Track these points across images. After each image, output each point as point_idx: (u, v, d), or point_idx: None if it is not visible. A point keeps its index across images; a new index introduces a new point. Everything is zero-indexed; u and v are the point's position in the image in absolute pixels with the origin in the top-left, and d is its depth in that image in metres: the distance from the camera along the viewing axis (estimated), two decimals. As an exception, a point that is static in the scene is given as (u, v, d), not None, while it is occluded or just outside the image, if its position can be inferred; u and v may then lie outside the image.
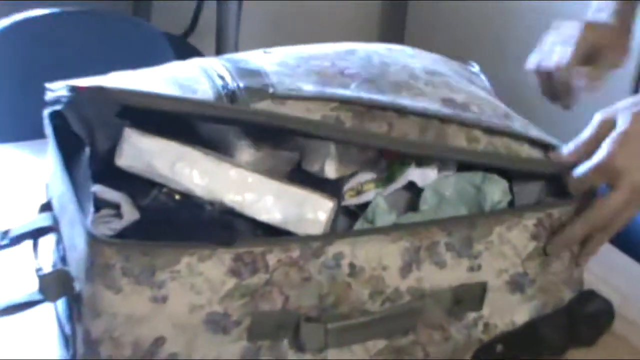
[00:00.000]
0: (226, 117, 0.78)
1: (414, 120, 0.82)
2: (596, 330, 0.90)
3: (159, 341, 0.75)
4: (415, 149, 0.81)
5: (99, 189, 0.78)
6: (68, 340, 0.80)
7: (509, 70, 1.39)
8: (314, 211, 0.77)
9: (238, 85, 0.80)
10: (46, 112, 0.87)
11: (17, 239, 0.83)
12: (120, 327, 0.73)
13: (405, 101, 0.83)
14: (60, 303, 0.82)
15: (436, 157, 0.84)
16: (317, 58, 0.87)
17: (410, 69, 0.89)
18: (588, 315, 0.89)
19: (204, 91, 0.80)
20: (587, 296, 0.89)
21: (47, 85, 0.83)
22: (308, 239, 0.77)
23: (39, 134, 0.98)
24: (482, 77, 0.98)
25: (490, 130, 0.84)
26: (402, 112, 0.82)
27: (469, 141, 0.83)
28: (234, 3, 2.31)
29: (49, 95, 0.81)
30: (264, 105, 0.79)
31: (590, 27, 1.09)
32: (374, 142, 0.81)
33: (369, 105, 0.81)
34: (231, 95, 0.80)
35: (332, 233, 0.79)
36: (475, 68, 1.00)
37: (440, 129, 0.82)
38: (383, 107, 0.82)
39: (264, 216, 0.77)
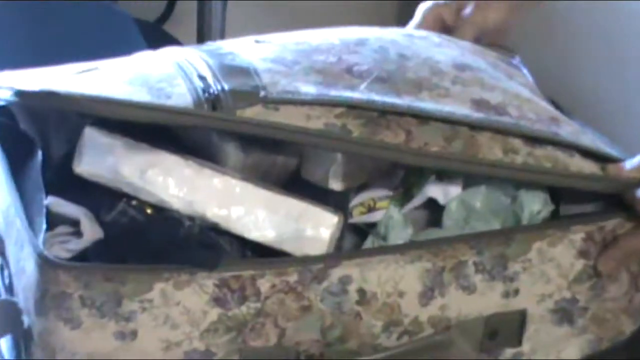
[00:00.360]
0: (208, 126, 0.76)
1: (438, 127, 0.79)
2: None
3: None
4: (439, 164, 0.79)
5: (53, 202, 0.76)
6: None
7: (550, 67, 1.40)
8: (314, 227, 0.75)
9: (222, 88, 0.77)
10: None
11: None
12: None
13: (427, 104, 0.80)
14: (5, 342, 0.80)
15: (464, 173, 0.82)
16: (320, 51, 0.84)
17: (434, 62, 0.86)
18: None
19: (181, 95, 0.76)
20: None
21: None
22: (308, 260, 0.75)
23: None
24: (524, 71, 0.95)
25: (532, 139, 0.81)
26: (422, 117, 0.79)
27: (505, 152, 0.79)
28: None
29: None
30: (254, 111, 0.76)
31: None
32: (388, 155, 0.78)
33: (382, 110, 0.79)
34: (214, 100, 0.77)
35: (337, 253, 0.77)
36: (516, 59, 0.97)
37: (470, 138, 0.79)
38: (399, 112, 0.79)
39: (254, 233, 0.75)
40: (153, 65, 0.82)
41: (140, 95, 0.76)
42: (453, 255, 0.78)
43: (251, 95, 0.77)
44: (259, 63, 0.81)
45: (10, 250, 0.79)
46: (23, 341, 0.76)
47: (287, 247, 0.76)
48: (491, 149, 0.79)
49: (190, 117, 0.76)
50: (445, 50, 0.91)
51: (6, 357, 0.82)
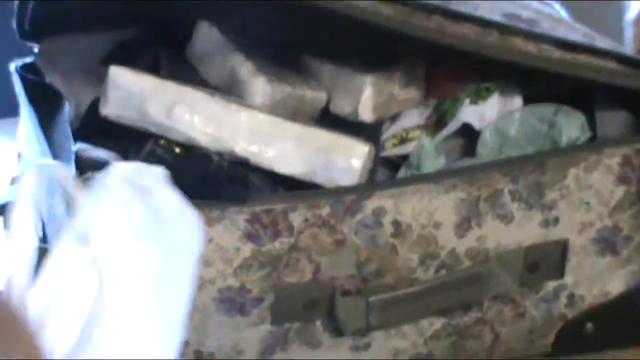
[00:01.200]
0: None
1: (468, 26, 0.79)
2: None
3: None
4: (476, 48, 0.78)
5: (81, 148, 0.78)
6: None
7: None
8: (345, 158, 0.75)
9: None
10: (14, 65, 0.90)
11: None
12: None
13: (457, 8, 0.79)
14: None
15: (499, 66, 0.80)
16: None
17: None
18: None
19: None
20: None
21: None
22: (340, 191, 0.76)
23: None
24: (561, 9, 0.95)
25: (565, 46, 0.80)
26: (453, 17, 0.78)
27: (540, 50, 0.80)
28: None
29: None
30: None
31: None
32: (424, 35, 0.77)
33: (411, 5, 0.77)
34: None
35: (370, 184, 0.78)
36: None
37: (502, 38, 0.79)
38: (429, 9, 0.78)
39: (284, 168, 0.76)
40: None
41: None
42: (488, 183, 0.79)
43: None
44: None
45: (43, 201, 0.79)
46: None
47: (318, 180, 0.77)
48: (526, 46, 0.80)
49: None
50: None
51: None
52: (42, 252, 0.79)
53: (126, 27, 0.91)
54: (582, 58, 0.81)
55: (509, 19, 0.81)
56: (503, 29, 0.79)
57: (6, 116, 1.18)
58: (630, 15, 1.21)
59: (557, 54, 0.81)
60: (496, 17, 0.81)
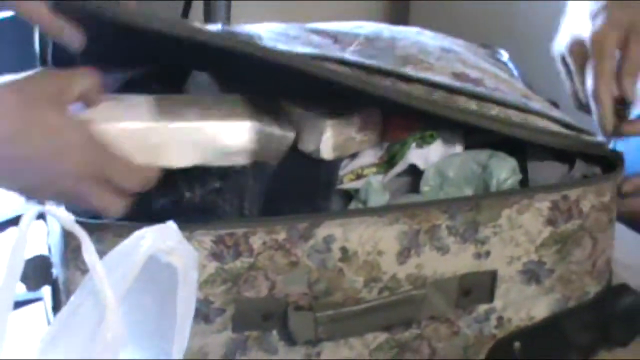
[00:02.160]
0: (224, 46, 0.71)
1: (419, 87, 0.77)
2: (631, 329, 0.84)
3: None
4: (423, 105, 0.75)
5: None
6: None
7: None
8: (232, 140, 0.72)
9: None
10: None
11: (4, 225, 0.82)
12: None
13: (410, 71, 0.78)
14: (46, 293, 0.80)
15: (443, 118, 0.77)
16: (319, 32, 0.83)
17: (422, 44, 0.84)
18: (620, 312, 0.83)
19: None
20: (619, 290, 0.84)
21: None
22: (295, 219, 0.72)
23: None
24: (511, 65, 0.92)
25: (505, 104, 0.78)
26: (404, 78, 0.77)
27: (480, 107, 0.77)
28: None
29: None
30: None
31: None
32: (379, 92, 0.74)
33: (369, 69, 0.76)
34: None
35: (322, 214, 0.75)
36: (504, 56, 0.93)
37: (448, 96, 0.77)
38: (385, 73, 0.77)
39: (182, 163, 0.71)
40: None
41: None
42: (427, 218, 0.75)
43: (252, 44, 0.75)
44: (265, 33, 0.81)
45: (49, 216, 0.78)
46: (52, 290, 0.76)
47: (217, 164, 0.73)
48: (467, 103, 0.77)
49: (199, 33, 0.71)
50: (435, 38, 0.88)
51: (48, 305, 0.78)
52: (41, 261, 0.75)
53: (135, 66, 0.86)
54: (518, 115, 0.78)
55: (458, 78, 0.80)
56: (450, 89, 0.77)
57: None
58: None
59: (496, 109, 0.78)
60: (446, 76, 0.79)
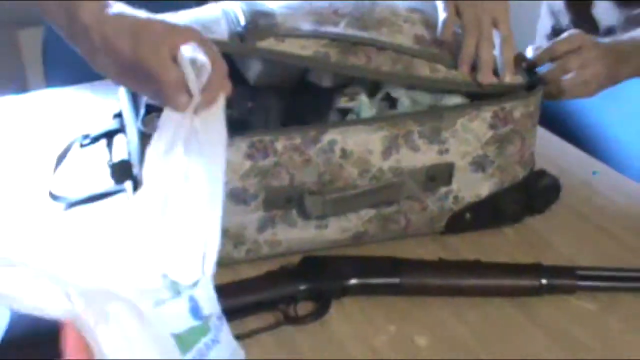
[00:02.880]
0: (234, 52, 0.73)
1: (388, 54, 0.75)
2: (547, 201, 0.85)
3: None
4: (387, 79, 0.76)
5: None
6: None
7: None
8: None
9: (248, 25, 0.73)
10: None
11: (95, 139, 0.82)
12: None
13: (384, 38, 0.75)
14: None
15: (403, 85, 0.77)
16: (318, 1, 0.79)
17: (394, 5, 0.81)
18: (540, 190, 0.84)
19: (221, 32, 0.73)
20: (539, 174, 0.83)
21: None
22: (307, 128, 0.72)
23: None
24: None
25: (452, 65, 0.77)
26: (380, 47, 0.75)
27: (432, 71, 0.76)
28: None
29: None
30: (268, 43, 0.73)
31: None
32: (354, 73, 0.75)
33: (353, 41, 0.75)
34: (241, 34, 0.73)
35: (326, 123, 0.75)
36: None
37: (409, 62, 0.76)
38: (364, 43, 0.75)
39: None
40: (210, 11, 0.78)
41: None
42: (404, 126, 0.75)
43: (268, 31, 0.73)
44: (277, 8, 0.77)
45: (129, 129, 0.77)
46: (132, 184, 0.76)
47: None
48: (422, 69, 0.76)
49: (223, 46, 0.70)
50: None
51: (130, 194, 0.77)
52: (125, 163, 0.77)
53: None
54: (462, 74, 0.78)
55: (418, 40, 0.78)
56: (412, 54, 0.77)
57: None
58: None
59: (442, 71, 0.78)
60: (411, 39, 0.77)
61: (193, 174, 0.61)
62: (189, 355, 0.56)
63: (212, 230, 0.60)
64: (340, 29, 0.75)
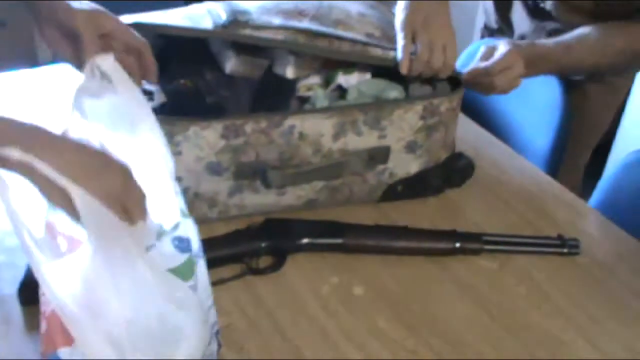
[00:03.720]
0: (219, 37, 0.79)
1: (347, 43, 0.82)
2: (463, 178, 0.94)
3: (178, 179, 0.74)
4: (345, 56, 0.83)
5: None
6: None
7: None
8: None
9: (229, 18, 0.79)
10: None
11: None
12: None
13: (339, 32, 0.83)
14: None
15: (356, 62, 0.84)
16: (286, 4, 0.86)
17: (347, 10, 0.88)
18: (458, 169, 0.92)
19: (206, 24, 0.79)
20: (457, 156, 0.92)
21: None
22: (271, 114, 0.79)
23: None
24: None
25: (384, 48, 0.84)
26: (339, 38, 0.82)
27: (383, 54, 0.84)
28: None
29: None
30: (246, 32, 0.79)
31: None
32: (318, 52, 0.82)
33: (315, 33, 0.81)
34: (224, 25, 0.79)
35: (288, 111, 0.81)
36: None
37: (364, 48, 0.83)
38: (325, 35, 0.82)
39: None
40: (195, 10, 0.84)
41: (185, 23, 0.80)
42: (350, 115, 0.82)
43: (246, 23, 0.80)
44: (253, 8, 0.83)
45: None
46: None
47: None
48: (373, 52, 0.84)
49: (209, 32, 0.78)
50: (355, 5, 0.91)
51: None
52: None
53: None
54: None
55: (369, 37, 0.84)
56: (363, 43, 0.82)
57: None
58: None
59: (390, 56, 0.84)
60: (362, 35, 0.83)
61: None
62: (191, 282, 0.60)
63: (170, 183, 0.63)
64: (305, 24, 0.82)
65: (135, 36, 0.72)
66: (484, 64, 0.92)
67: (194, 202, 0.83)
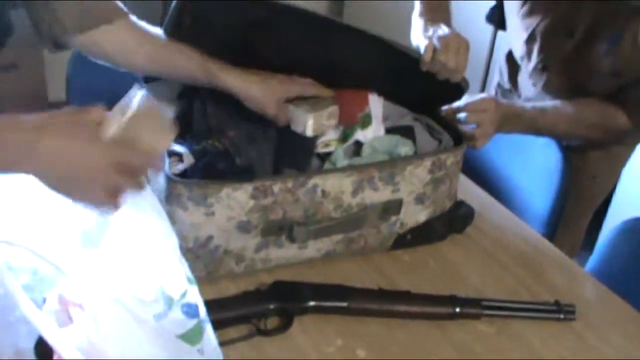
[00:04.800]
0: None
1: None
2: (464, 224, 0.98)
3: (209, 238, 0.82)
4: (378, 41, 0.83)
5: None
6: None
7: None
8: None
9: None
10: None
11: None
12: (187, 230, 0.80)
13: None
14: None
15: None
16: None
17: None
18: (460, 216, 0.97)
19: None
20: (459, 204, 0.97)
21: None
22: (297, 175, 0.82)
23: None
24: None
25: None
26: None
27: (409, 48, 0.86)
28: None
29: None
30: None
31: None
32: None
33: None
34: None
35: (311, 172, 0.85)
36: None
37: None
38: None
39: None
40: None
41: None
42: (367, 173, 0.86)
43: None
44: None
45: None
46: None
47: None
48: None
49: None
50: None
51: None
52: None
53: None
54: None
55: None
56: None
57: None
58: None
59: None
60: None
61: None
62: (199, 346, 0.61)
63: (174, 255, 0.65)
64: None
65: None
66: (461, 102, 0.97)
67: (223, 258, 0.85)
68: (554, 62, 1.07)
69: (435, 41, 0.88)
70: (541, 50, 1.08)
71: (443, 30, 0.90)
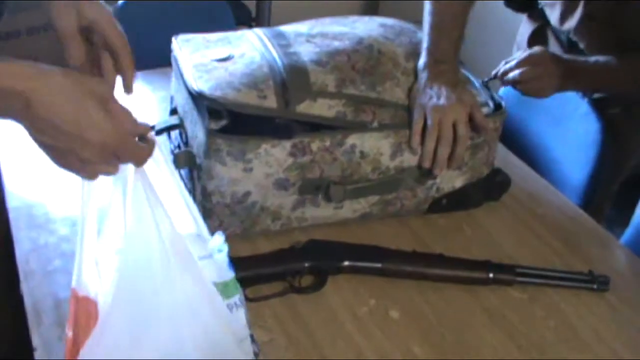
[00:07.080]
0: (281, 117, 0.76)
1: (387, 109, 0.81)
2: (500, 192, 0.94)
3: (247, 194, 0.79)
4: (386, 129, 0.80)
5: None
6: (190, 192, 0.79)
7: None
8: None
9: (290, 87, 0.75)
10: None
11: (160, 131, 0.84)
12: (224, 185, 0.78)
13: (387, 96, 0.81)
14: (184, 173, 0.83)
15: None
16: (338, 52, 0.81)
17: (395, 56, 0.84)
18: (497, 183, 0.92)
19: (271, 96, 0.76)
20: (496, 171, 0.92)
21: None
22: (334, 133, 0.78)
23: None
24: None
25: None
26: (382, 104, 0.81)
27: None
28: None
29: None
30: (304, 105, 0.76)
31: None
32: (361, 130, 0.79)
33: (364, 100, 0.79)
34: (285, 97, 0.75)
35: (349, 129, 0.79)
36: None
37: (403, 115, 0.81)
38: (371, 102, 0.80)
39: None
40: (256, 66, 0.79)
41: (250, 96, 0.76)
42: (405, 135, 0.82)
43: (305, 92, 0.77)
44: (309, 64, 0.79)
45: (188, 125, 0.82)
46: (195, 171, 0.80)
47: None
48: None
49: (272, 111, 0.76)
50: (402, 48, 0.87)
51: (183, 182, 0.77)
52: (189, 154, 0.78)
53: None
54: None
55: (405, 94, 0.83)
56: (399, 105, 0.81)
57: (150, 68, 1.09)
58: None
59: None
60: (405, 92, 0.82)
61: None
62: (229, 301, 0.59)
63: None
64: (357, 89, 0.79)
65: (117, 31, 0.61)
66: (512, 62, 0.92)
67: (260, 215, 0.82)
68: (602, 14, 0.99)
69: (428, 115, 0.81)
70: (587, 3, 1.00)
71: (441, 96, 0.82)
